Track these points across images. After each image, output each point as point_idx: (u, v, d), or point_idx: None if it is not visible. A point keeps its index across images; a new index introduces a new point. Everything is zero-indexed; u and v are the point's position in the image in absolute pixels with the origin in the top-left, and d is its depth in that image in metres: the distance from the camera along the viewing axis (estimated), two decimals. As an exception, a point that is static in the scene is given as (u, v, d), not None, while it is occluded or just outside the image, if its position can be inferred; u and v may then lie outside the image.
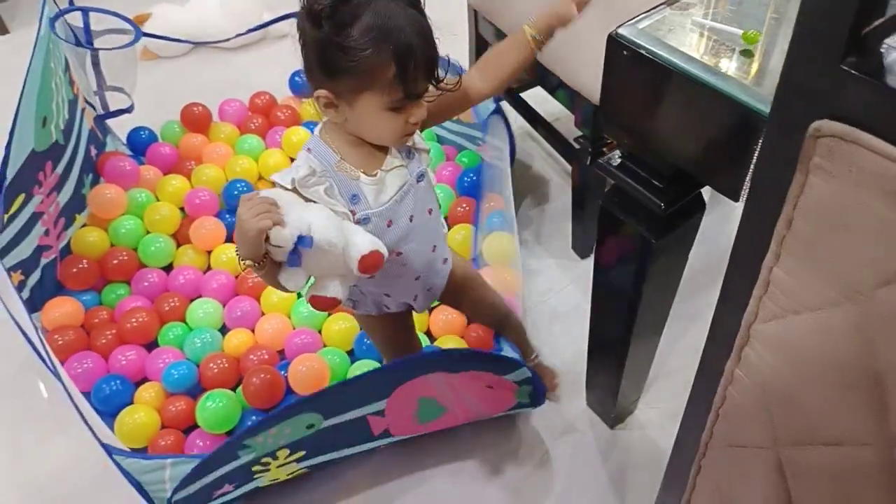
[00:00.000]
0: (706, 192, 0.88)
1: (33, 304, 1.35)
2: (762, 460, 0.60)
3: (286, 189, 0.79)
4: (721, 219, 1.32)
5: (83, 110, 1.59)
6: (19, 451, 1.29)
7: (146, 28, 2.08)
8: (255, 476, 1.06)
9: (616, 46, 0.78)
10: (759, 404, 0.58)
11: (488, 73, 0.92)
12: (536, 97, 1.61)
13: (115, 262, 1.45)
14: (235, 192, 1.58)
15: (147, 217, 1.53)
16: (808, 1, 0.40)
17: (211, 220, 1.53)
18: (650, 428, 1.27)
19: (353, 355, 1.34)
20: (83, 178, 1.54)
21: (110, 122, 1.74)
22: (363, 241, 0.76)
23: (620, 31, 0.78)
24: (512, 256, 1.37)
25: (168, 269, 1.50)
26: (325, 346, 1.34)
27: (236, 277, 1.47)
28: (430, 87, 0.81)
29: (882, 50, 0.40)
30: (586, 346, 1.19)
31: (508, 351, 1.21)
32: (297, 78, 1.85)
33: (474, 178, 1.58)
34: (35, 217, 1.35)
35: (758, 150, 0.50)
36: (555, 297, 1.51)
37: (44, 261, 1.39)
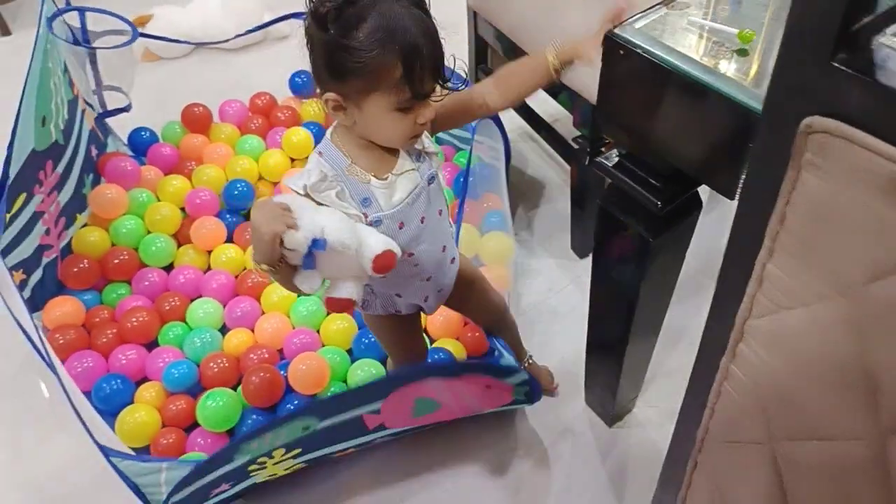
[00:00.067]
0: (705, 191, 0.88)
1: (34, 304, 1.36)
2: (757, 456, 0.61)
3: (299, 194, 0.80)
4: (720, 218, 1.32)
5: (84, 111, 1.60)
6: (19, 451, 1.30)
7: (148, 29, 2.09)
8: (252, 474, 1.06)
9: (613, 46, 0.79)
10: (753, 400, 0.59)
11: (505, 88, 0.93)
12: (535, 98, 1.60)
13: (116, 261, 1.46)
14: (236, 192, 1.58)
15: (148, 217, 1.53)
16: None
17: (211, 220, 1.54)
18: (649, 427, 1.27)
19: (352, 355, 1.34)
20: (84, 177, 1.54)
21: (111, 122, 1.75)
22: (376, 242, 0.76)
23: (617, 30, 0.78)
24: (509, 256, 1.37)
25: (169, 268, 1.51)
26: (323, 345, 1.35)
27: (236, 277, 1.47)
28: (437, 88, 0.81)
29: (872, 47, 0.40)
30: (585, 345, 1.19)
31: (506, 357, 1.21)
32: (297, 79, 1.86)
33: (471, 178, 1.58)
34: (36, 216, 1.35)
35: (752, 147, 0.50)
36: (554, 297, 1.51)
37: (45, 260, 1.39)
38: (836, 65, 0.40)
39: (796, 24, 0.41)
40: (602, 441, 1.26)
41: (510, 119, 1.62)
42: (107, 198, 1.52)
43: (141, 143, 1.73)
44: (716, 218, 1.35)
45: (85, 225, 1.52)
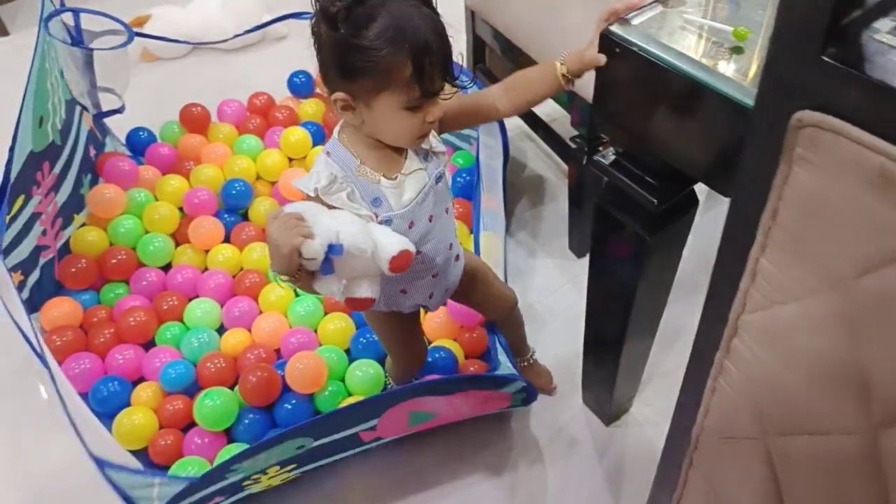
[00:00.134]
0: (703, 191, 0.88)
1: (33, 305, 1.36)
2: (752, 452, 0.61)
3: (309, 196, 0.80)
4: (717, 217, 1.32)
5: (81, 111, 1.60)
6: (18, 451, 1.30)
7: (147, 29, 2.09)
8: (246, 487, 1.07)
9: (608, 44, 0.79)
10: (747, 395, 0.59)
11: (514, 95, 0.93)
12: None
13: (114, 261, 1.46)
14: (233, 192, 1.58)
15: (146, 216, 1.53)
16: (788, -7, 0.41)
17: (209, 219, 1.54)
18: (646, 426, 1.27)
19: (350, 354, 1.34)
20: (81, 178, 1.54)
21: (109, 122, 1.75)
22: (392, 242, 0.77)
23: (612, 28, 0.79)
24: (498, 256, 1.37)
25: (166, 268, 1.51)
26: (321, 345, 1.35)
27: (234, 277, 1.48)
28: (446, 86, 0.82)
29: (862, 41, 0.41)
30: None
31: (503, 364, 1.21)
32: (295, 79, 1.86)
33: (467, 178, 1.59)
34: (34, 217, 1.36)
35: (744, 143, 0.50)
36: (552, 297, 1.51)
37: (42, 260, 1.39)
38: (826, 59, 0.40)
39: (786, 18, 0.41)
40: (599, 440, 1.26)
41: (508, 119, 1.62)
42: (105, 197, 1.52)
43: (139, 143, 1.73)
44: (713, 217, 1.35)
45: (83, 225, 1.52)
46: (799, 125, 0.43)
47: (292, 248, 0.71)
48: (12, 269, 1.28)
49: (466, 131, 1.70)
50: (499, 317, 1.23)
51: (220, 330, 1.40)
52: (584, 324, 1.16)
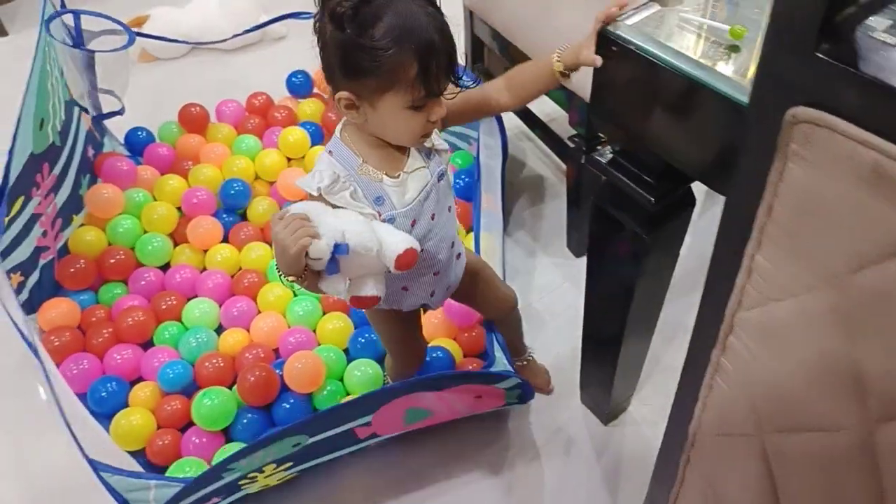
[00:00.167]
0: (702, 191, 0.89)
1: (32, 305, 1.36)
2: (748, 448, 0.61)
3: (312, 196, 0.80)
4: (716, 217, 1.32)
5: (80, 112, 1.60)
6: (18, 449, 1.30)
7: (145, 30, 2.09)
8: (243, 487, 1.07)
9: (605, 42, 0.79)
10: (744, 392, 0.59)
11: (514, 89, 0.93)
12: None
13: (113, 261, 1.46)
14: (232, 192, 1.59)
15: (144, 216, 1.54)
16: (782, -10, 0.41)
17: (208, 219, 1.54)
18: (644, 425, 1.27)
19: (348, 354, 1.34)
20: (80, 178, 1.55)
21: (108, 122, 1.75)
22: (397, 240, 0.77)
23: (610, 27, 0.79)
24: (496, 256, 1.37)
25: (165, 268, 1.51)
26: (319, 344, 1.35)
27: (232, 277, 1.48)
28: (450, 85, 0.82)
29: (855, 37, 0.41)
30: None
31: (498, 361, 1.21)
32: (293, 79, 1.86)
33: (467, 179, 1.59)
34: (33, 219, 1.36)
35: (740, 140, 0.50)
36: (550, 296, 1.51)
37: (42, 262, 1.39)
38: (819, 55, 0.40)
39: (780, 15, 0.42)
40: (597, 439, 1.26)
41: (507, 118, 1.62)
42: (103, 197, 1.52)
43: (137, 143, 1.73)
44: (711, 217, 1.35)
45: (81, 225, 1.52)
46: (793, 121, 0.43)
47: (300, 249, 0.71)
48: (12, 271, 1.28)
49: (466, 131, 1.70)
50: (499, 316, 1.23)
51: (219, 330, 1.40)
52: (582, 323, 1.16)
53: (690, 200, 0.92)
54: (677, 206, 0.91)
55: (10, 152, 1.25)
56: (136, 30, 1.67)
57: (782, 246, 0.49)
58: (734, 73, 0.70)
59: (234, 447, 1.17)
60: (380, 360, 1.31)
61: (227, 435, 1.23)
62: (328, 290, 0.77)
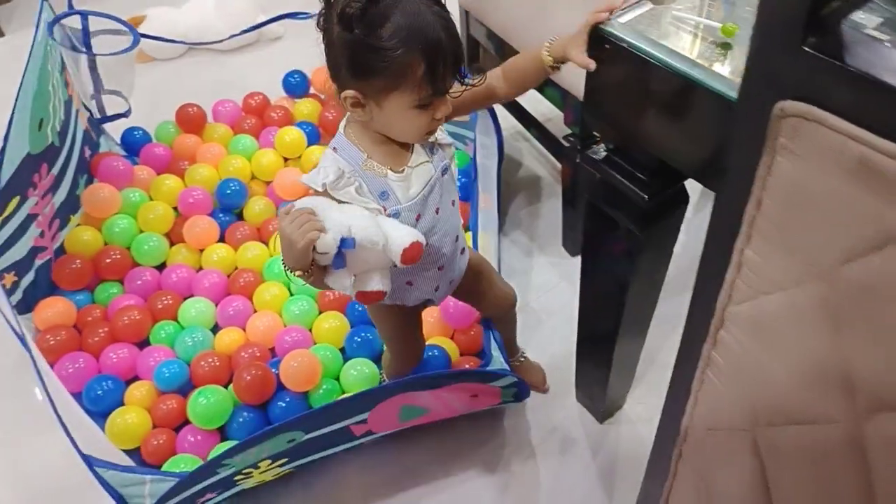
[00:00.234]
0: (696, 190, 0.89)
1: (27, 305, 1.36)
2: (739, 443, 0.61)
3: (317, 192, 0.80)
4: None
5: (77, 111, 1.60)
6: (14, 448, 1.30)
7: (142, 30, 2.09)
8: (238, 483, 1.07)
9: (598, 40, 0.80)
10: (735, 386, 0.60)
11: (509, 80, 0.94)
12: (528, 97, 1.61)
13: (109, 260, 1.46)
14: (228, 192, 1.59)
15: (140, 216, 1.54)
16: (770, -16, 0.41)
17: (204, 219, 1.54)
18: (639, 422, 1.28)
19: (344, 353, 1.34)
20: (78, 178, 1.55)
21: (102, 124, 1.75)
22: (403, 234, 0.77)
23: (602, 25, 0.79)
24: (492, 255, 1.38)
25: (161, 267, 1.51)
26: (315, 343, 1.35)
27: (228, 276, 1.48)
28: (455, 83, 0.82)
29: (841, 30, 0.41)
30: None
31: (495, 359, 1.22)
32: (290, 79, 1.86)
33: (463, 179, 1.59)
34: (30, 219, 1.36)
35: (729, 134, 0.51)
36: (546, 295, 1.52)
37: (38, 262, 1.39)
38: (806, 49, 0.41)
39: (768, 10, 0.42)
40: (592, 437, 1.26)
41: (503, 118, 1.63)
42: (99, 197, 1.52)
43: (134, 143, 1.73)
44: (706, 215, 1.35)
45: (78, 225, 1.52)
46: (781, 115, 0.43)
47: (307, 243, 0.71)
48: (5, 270, 1.28)
49: (463, 132, 1.70)
50: (499, 313, 1.23)
51: (215, 329, 1.40)
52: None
53: (684, 198, 0.93)
54: (671, 203, 0.91)
55: (2, 152, 1.25)
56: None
57: (771, 240, 0.49)
58: (726, 71, 0.70)
59: (229, 445, 1.17)
60: (376, 360, 1.31)
61: (223, 434, 1.24)
62: (334, 284, 0.78)
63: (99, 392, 1.25)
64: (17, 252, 1.32)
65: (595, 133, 1.13)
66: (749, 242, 0.51)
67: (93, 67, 1.66)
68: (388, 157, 0.84)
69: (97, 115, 1.72)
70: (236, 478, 1.04)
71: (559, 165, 1.67)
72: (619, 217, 0.92)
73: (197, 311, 1.40)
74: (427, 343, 1.31)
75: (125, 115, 1.74)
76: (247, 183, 1.64)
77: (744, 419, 0.60)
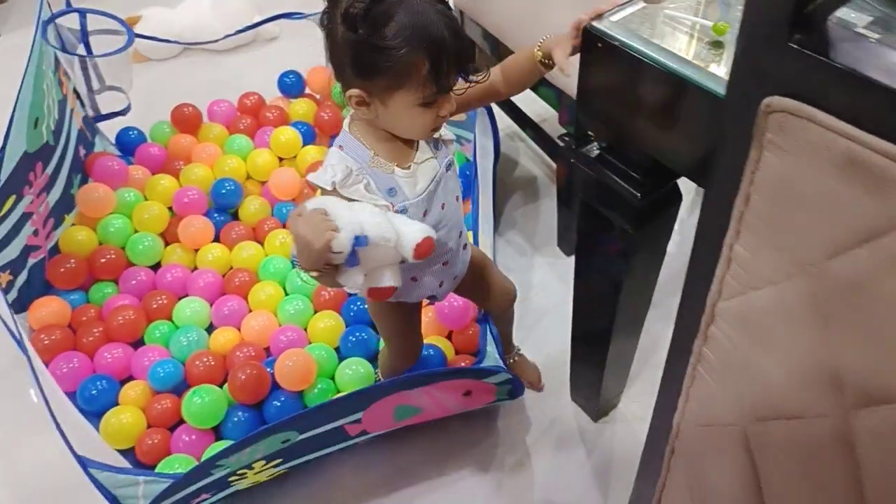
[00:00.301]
0: (691, 190, 0.89)
1: (21, 304, 1.36)
2: (730, 438, 0.62)
3: (325, 190, 0.81)
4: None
5: (72, 110, 1.60)
6: (8, 449, 1.29)
7: (137, 30, 2.09)
8: (232, 484, 1.07)
9: (591, 39, 0.80)
10: (725, 382, 0.60)
11: (507, 78, 0.95)
12: (523, 98, 1.62)
13: (103, 260, 1.46)
14: (223, 192, 1.59)
15: (135, 216, 1.54)
16: (756, -19, 0.42)
17: (199, 218, 1.54)
18: (634, 421, 1.28)
19: (339, 353, 1.34)
20: (72, 178, 1.55)
21: (100, 122, 1.75)
22: (414, 230, 0.78)
23: (594, 23, 0.80)
24: (487, 254, 1.38)
25: (156, 267, 1.51)
26: (310, 342, 1.35)
27: (223, 276, 1.48)
28: (459, 80, 0.83)
29: (827, 27, 0.42)
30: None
31: (489, 354, 1.22)
32: (285, 79, 1.86)
33: (460, 179, 1.59)
34: (25, 217, 1.36)
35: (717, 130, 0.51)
36: (541, 294, 1.52)
37: (32, 261, 1.39)
38: (792, 45, 0.41)
39: (754, 7, 0.42)
40: (587, 436, 1.27)
41: (499, 118, 1.63)
42: (94, 197, 1.52)
43: (129, 143, 1.73)
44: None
45: (72, 224, 1.52)
46: (768, 110, 0.44)
47: (324, 244, 0.71)
48: (1, 269, 1.28)
49: (462, 132, 1.70)
50: (500, 309, 1.24)
51: (210, 329, 1.40)
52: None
53: (677, 197, 0.93)
54: (664, 202, 0.91)
55: (2, 151, 1.25)
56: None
57: (760, 235, 0.49)
58: (716, 69, 0.71)
59: (224, 445, 1.17)
60: (371, 359, 1.31)
61: (218, 433, 1.24)
62: (346, 282, 0.78)
63: (93, 392, 1.25)
64: (12, 251, 1.32)
65: (590, 133, 1.14)
66: (738, 238, 0.51)
67: (84, 67, 1.66)
68: (394, 154, 0.85)
69: (90, 114, 1.71)
70: (231, 478, 1.04)
71: (554, 165, 1.68)
72: (612, 216, 0.93)
73: (192, 310, 1.40)
74: (423, 342, 1.31)
75: (123, 112, 1.74)
76: (242, 183, 1.64)
77: (734, 415, 0.60)
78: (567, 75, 0.82)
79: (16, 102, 1.30)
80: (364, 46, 0.75)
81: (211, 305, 1.42)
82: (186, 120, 1.76)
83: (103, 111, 1.75)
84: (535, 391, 1.33)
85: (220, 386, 1.27)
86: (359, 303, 1.38)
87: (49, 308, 1.36)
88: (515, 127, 1.76)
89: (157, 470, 1.15)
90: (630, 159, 0.88)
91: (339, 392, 1.28)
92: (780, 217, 0.47)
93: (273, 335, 1.35)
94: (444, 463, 1.24)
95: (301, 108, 1.82)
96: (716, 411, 0.63)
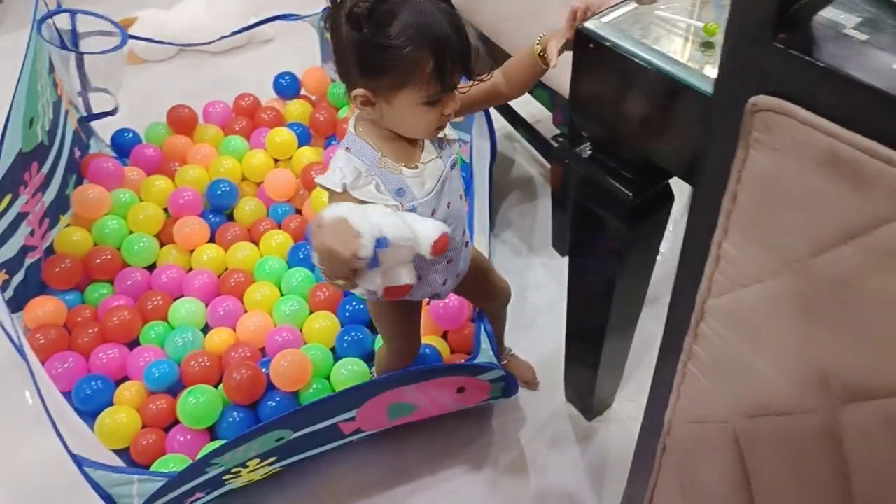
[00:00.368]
0: (686, 190, 0.89)
1: (17, 304, 1.36)
2: (721, 435, 0.62)
3: (335, 192, 0.81)
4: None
5: (67, 112, 1.61)
6: (2, 447, 1.29)
7: (132, 32, 2.10)
8: (227, 482, 1.07)
9: (583, 39, 0.81)
10: (715, 379, 0.60)
11: (509, 78, 0.95)
12: (518, 99, 1.63)
13: (99, 261, 1.46)
14: (219, 192, 1.59)
15: (131, 217, 1.54)
16: (742, -18, 0.42)
17: (194, 219, 1.54)
18: (628, 421, 1.29)
19: (335, 353, 1.35)
20: (67, 178, 1.55)
21: (94, 124, 1.76)
22: (429, 227, 0.77)
23: (587, 24, 0.80)
24: (483, 254, 1.39)
25: (151, 268, 1.51)
26: (305, 343, 1.35)
27: (218, 277, 1.48)
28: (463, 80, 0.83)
29: (811, 26, 0.42)
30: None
31: (483, 351, 1.22)
32: (281, 80, 1.87)
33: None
34: (20, 217, 1.36)
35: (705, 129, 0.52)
36: (535, 294, 1.52)
37: (28, 261, 1.39)
38: (777, 45, 0.42)
39: (740, 7, 0.43)
40: (581, 435, 1.27)
41: (495, 119, 1.64)
42: (89, 198, 1.52)
43: (124, 145, 1.73)
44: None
45: (68, 225, 1.52)
46: (754, 109, 0.44)
47: (353, 252, 0.70)
48: (-2, 269, 1.29)
49: (460, 134, 1.71)
50: (497, 308, 1.25)
51: (205, 329, 1.40)
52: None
53: (669, 196, 0.94)
54: (656, 201, 0.92)
55: None
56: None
57: (747, 232, 0.50)
58: (706, 69, 0.71)
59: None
60: (366, 359, 1.31)
61: (213, 433, 1.24)
62: (366, 285, 0.77)
63: (88, 392, 1.25)
64: (9, 250, 1.33)
65: (583, 133, 1.14)
66: (726, 236, 0.52)
67: (80, 65, 1.66)
68: (401, 155, 0.86)
69: (83, 114, 1.71)
70: (225, 477, 1.04)
71: (549, 166, 1.68)
72: (605, 215, 0.93)
73: (187, 311, 1.40)
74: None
75: (112, 113, 1.74)
76: (237, 184, 1.64)
77: (725, 412, 0.61)
78: (553, 66, 0.83)
79: (11, 102, 1.30)
80: (369, 45, 0.75)
81: (206, 306, 1.42)
82: (182, 121, 1.76)
83: (87, 114, 1.75)
84: (531, 390, 1.33)
85: (216, 386, 1.27)
86: (354, 303, 1.39)
87: (45, 308, 1.36)
88: (510, 128, 1.76)
89: (151, 469, 1.15)
90: (622, 159, 0.89)
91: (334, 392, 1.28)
92: (767, 215, 0.47)
93: (268, 335, 1.35)
94: (438, 462, 1.24)
95: (296, 109, 1.82)
96: (706, 408, 0.63)
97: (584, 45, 0.80)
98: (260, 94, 1.87)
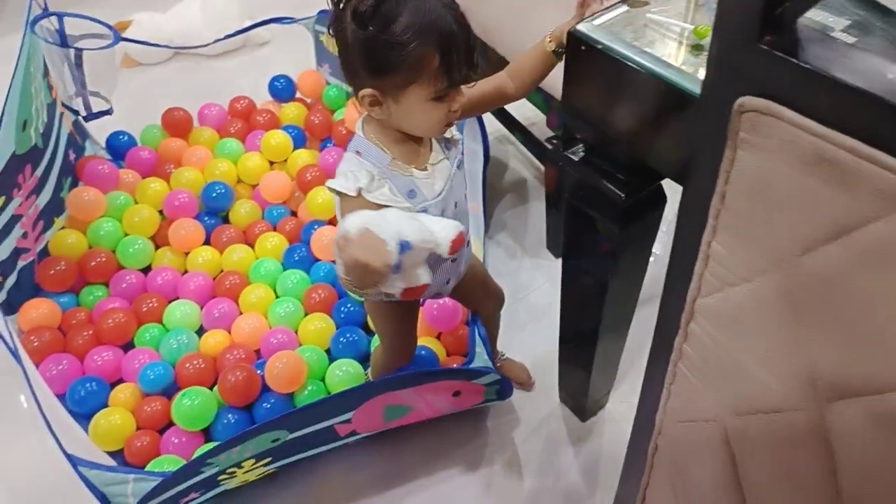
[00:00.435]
0: (680, 190, 0.90)
1: (10, 306, 1.35)
2: (711, 434, 0.63)
3: (348, 196, 0.81)
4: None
5: (62, 115, 1.61)
6: (-4, 451, 1.29)
7: (127, 35, 2.10)
8: (221, 483, 1.07)
9: (575, 42, 0.81)
10: (705, 378, 0.61)
11: (517, 78, 0.96)
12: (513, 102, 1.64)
13: (94, 263, 1.46)
14: (214, 195, 1.59)
15: (126, 219, 1.54)
16: (728, -16, 0.43)
17: (189, 221, 1.54)
18: (622, 421, 1.29)
19: (330, 355, 1.35)
20: (62, 181, 1.55)
21: (90, 126, 1.75)
22: (445, 226, 0.78)
23: (578, 27, 0.81)
24: (478, 257, 1.39)
25: (146, 270, 1.51)
26: (300, 345, 1.36)
27: (214, 279, 1.48)
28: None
29: (796, 28, 0.43)
30: (559, 342, 1.21)
31: (480, 356, 1.23)
32: (276, 83, 1.87)
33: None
34: (14, 220, 1.36)
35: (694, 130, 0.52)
36: (530, 296, 1.53)
37: (21, 263, 1.39)
38: (763, 46, 0.42)
39: (726, 9, 0.44)
40: (575, 436, 1.28)
41: (488, 122, 1.64)
42: (84, 200, 1.52)
43: (119, 147, 1.74)
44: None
45: (62, 228, 1.52)
46: (741, 110, 0.45)
47: (384, 263, 0.70)
48: (-10, 271, 1.28)
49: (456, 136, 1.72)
50: (491, 311, 1.26)
51: (200, 332, 1.40)
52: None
53: (661, 197, 0.94)
54: (648, 202, 0.93)
55: None
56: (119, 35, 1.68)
57: (735, 232, 0.50)
58: (696, 71, 0.72)
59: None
60: (361, 360, 1.31)
61: (207, 435, 1.24)
62: (389, 289, 0.77)
63: (83, 394, 1.25)
64: (2, 252, 1.32)
65: (576, 135, 1.15)
66: (715, 235, 0.52)
67: (79, 64, 1.66)
68: (410, 156, 0.86)
69: (83, 113, 1.72)
70: (220, 477, 1.04)
71: (543, 168, 1.69)
72: (598, 216, 0.94)
73: (182, 313, 1.40)
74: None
75: (108, 112, 1.74)
76: (232, 186, 1.65)
77: (715, 410, 0.61)
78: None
79: (4, 104, 1.30)
80: (375, 43, 0.76)
81: (201, 308, 1.42)
82: (177, 124, 1.76)
83: (86, 113, 1.75)
84: (526, 390, 1.34)
85: (210, 388, 1.27)
86: (349, 305, 1.39)
87: (39, 310, 1.36)
88: (505, 130, 1.77)
89: (146, 469, 1.15)
90: (615, 160, 0.89)
91: (329, 394, 1.28)
92: (755, 214, 0.48)
93: (263, 337, 1.35)
94: (433, 463, 1.24)
95: (291, 111, 1.82)
96: (697, 407, 0.64)
97: (576, 48, 0.81)
98: (255, 96, 1.88)
